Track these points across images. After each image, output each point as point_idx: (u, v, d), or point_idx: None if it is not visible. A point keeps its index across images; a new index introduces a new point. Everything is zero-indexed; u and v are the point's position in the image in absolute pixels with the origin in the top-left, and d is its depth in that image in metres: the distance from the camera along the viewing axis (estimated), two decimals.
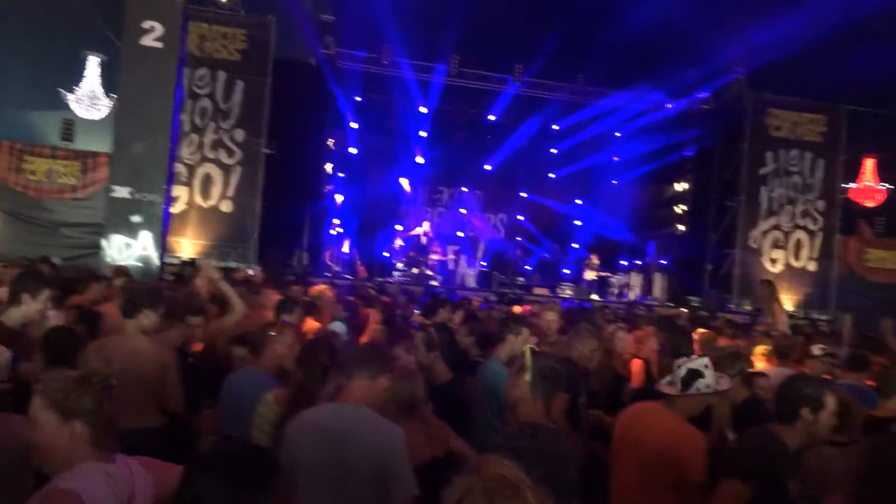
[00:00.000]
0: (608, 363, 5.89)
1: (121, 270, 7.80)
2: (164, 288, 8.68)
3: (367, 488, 3.04)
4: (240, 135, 16.21)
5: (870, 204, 18.66)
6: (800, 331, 9.30)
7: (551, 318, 6.22)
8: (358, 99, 19.96)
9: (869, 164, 18.43)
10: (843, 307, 17.27)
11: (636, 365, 6.20)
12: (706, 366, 3.76)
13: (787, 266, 18.21)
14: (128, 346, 4.36)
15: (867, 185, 18.44)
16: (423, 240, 19.37)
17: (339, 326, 6.76)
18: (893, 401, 4.49)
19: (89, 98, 15.69)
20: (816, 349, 6.19)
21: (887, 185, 18.23)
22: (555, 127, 21.23)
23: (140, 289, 4.76)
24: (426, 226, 20.21)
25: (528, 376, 3.24)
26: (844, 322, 8.89)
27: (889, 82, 16.17)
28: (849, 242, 18.76)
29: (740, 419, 4.42)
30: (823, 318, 17.28)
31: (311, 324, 6.88)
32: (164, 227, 9.36)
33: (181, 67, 10.07)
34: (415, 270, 18.56)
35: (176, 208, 15.35)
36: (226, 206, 16.14)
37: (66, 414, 2.32)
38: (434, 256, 19.11)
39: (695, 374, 3.71)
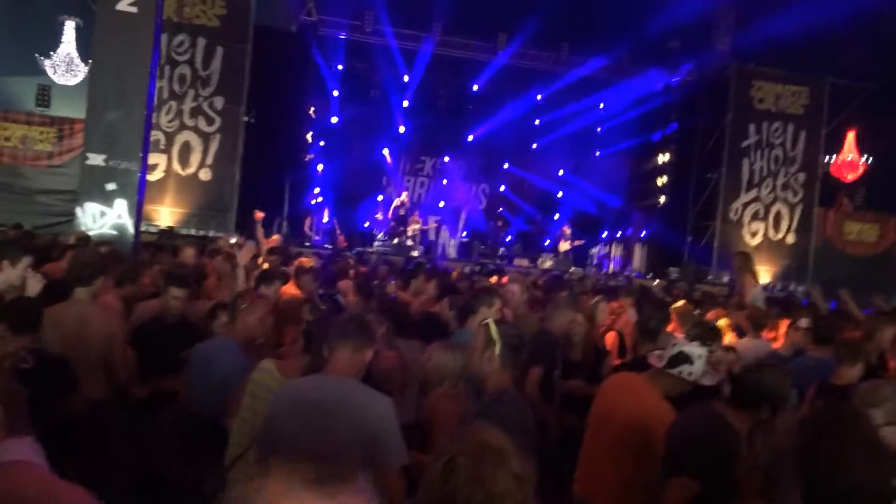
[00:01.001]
0: (590, 334, 5.90)
1: (82, 238, 7.72)
2: (146, 257, 8.64)
3: (355, 458, 3.01)
4: (219, 102, 16.02)
5: (850, 177, 18.74)
6: (775, 303, 9.36)
7: (515, 289, 6.22)
8: (340, 67, 19.74)
9: (850, 137, 18.48)
10: (821, 279, 17.46)
11: (610, 338, 6.22)
12: (700, 356, 3.70)
13: (766, 238, 18.32)
14: (76, 314, 4.33)
15: (848, 157, 18.51)
16: (402, 211, 19.28)
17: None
18: (854, 369, 4.49)
19: (66, 63, 15.42)
20: (803, 322, 6.15)
21: (868, 157, 18.30)
22: (538, 97, 21.12)
23: (91, 256, 4.66)
24: (404, 196, 20.13)
25: (497, 349, 3.24)
26: (815, 294, 8.92)
27: (871, 54, 16.19)
28: (828, 215, 18.88)
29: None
30: (801, 289, 17.45)
31: (291, 290, 6.87)
32: (139, 196, 9.25)
33: (158, 33, 9.87)
34: (396, 240, 18.52)
35: (154, 176, 15.20)
36: (205, 175, 15.99)
37: None
38: (415, 226, 19.06)
39: (683, 358, 3.67)
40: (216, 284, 6.58)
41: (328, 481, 0.91)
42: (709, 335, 4.81)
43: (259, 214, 8.99)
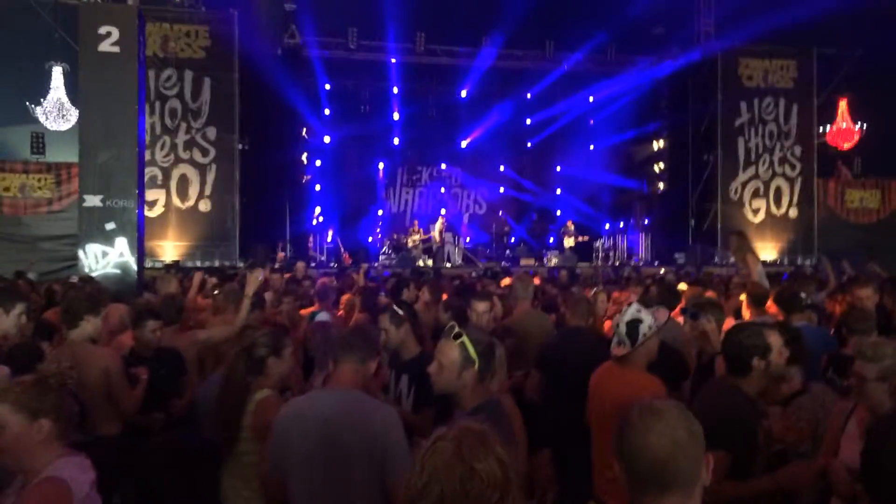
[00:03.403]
0: (594, 327, 5.91)
1: (86, 279, 7.78)
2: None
3: (365, 471, 3.04)
4: (212, 132, 16.16)
5: (846, 145, 18.70)
6: (772, 279, 9.34)
7: (516, 287, 6.26)
8: (328, 86, 19.86)
9: (843, 105, 18.44)
10: (827, 250, 17.41)
11: (607, 325, 6.24)
12: (639, 310, 3.75)
13: (769, 214, 18.30)
14: (72, 356, 4.33)
15: (842, 126, 18.47)
16: (438, 238, 19.04)
17: (323, 316, 6.80)
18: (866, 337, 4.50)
19: (57, 109, 15.55)
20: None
21: (862, 124, 18.26)
22: (528, 96, 21.18)
23: (77, 296, 4.67)
24: (441, 222, 19.76)
25: (476, 366, 3.18)
26: (825, 266, 8.95)
27: (855, 21, 16.18)
28: (828, 185, 18.85)
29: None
30: (808, 262, 17.41)
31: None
32: (139, 232, 9.36)
33: (142, 70, 9.98)
34: (402, 253, 18.58)
35: (154, 212, 15.36)
36: (204, 206, 16.12)
37: (33, 413, 2.49)
38: (415, 237, 19.09)
39: (634, 324, 3.71)
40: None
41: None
42: (708, 308, 4.84)
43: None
